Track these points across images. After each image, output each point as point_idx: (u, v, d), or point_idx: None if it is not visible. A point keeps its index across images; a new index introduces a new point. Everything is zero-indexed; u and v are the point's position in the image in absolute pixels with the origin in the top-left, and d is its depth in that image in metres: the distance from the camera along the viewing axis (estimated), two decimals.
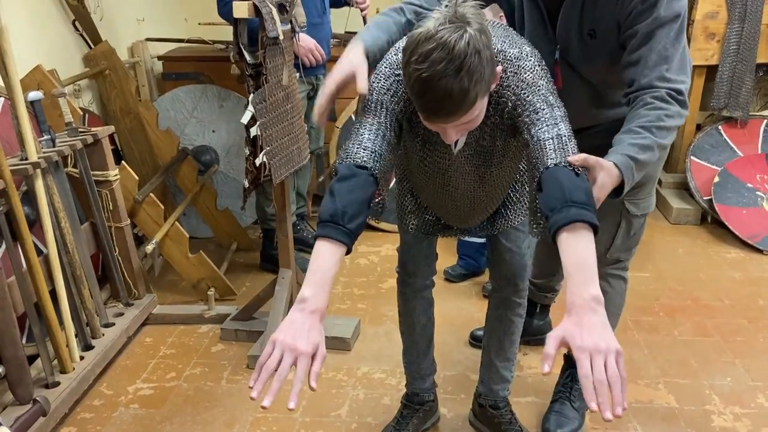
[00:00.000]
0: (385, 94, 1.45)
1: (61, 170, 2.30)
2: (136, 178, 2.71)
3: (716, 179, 3.53)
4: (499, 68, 1.35)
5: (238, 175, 3.55)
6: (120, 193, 2.55)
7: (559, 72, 1.70)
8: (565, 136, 1.37)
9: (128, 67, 3.41)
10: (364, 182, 1.39)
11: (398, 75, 1.45)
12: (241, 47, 2.10)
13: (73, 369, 2.20)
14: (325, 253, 1.33)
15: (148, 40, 3.66)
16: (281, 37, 2.12)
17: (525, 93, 1.41)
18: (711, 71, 3.69)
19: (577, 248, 1.22)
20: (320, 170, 3.69)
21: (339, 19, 3.75)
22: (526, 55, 1.43)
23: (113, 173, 2.50)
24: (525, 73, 1.41)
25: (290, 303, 2.49)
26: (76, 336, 2.26)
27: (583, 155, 1.35)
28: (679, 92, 1.46)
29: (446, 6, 1.26)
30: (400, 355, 2.02)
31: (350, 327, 2.53)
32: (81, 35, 3.06)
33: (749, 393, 2.21)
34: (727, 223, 3.39)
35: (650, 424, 2.06)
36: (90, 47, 3.09)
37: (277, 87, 2.18)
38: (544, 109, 1.39)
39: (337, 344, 2.48)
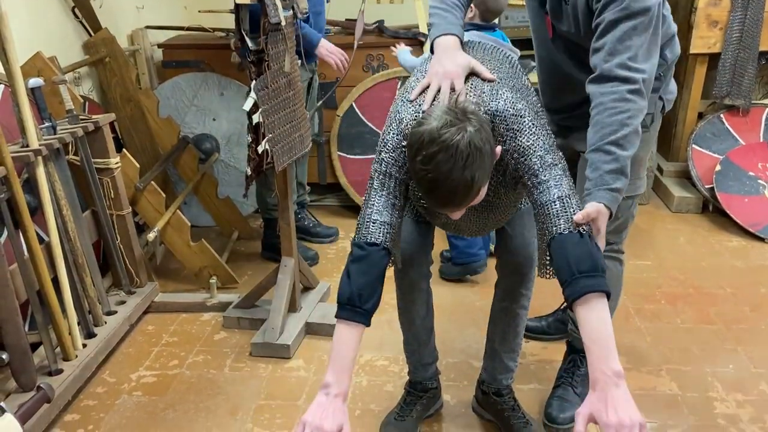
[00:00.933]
0: (393, 165, 1.55)
1: (63, 157, 2.29)
2: (137, 165, 2.70)
3: (718, 168, 3.53)
4: (498, 149, 1.43)
5: (238, 163, 3.54)
6: (121, 181, 2.54)
7: (550, 23, 1.76)
8: (566, 197, 1.45)
9: (128, 55, 3.40)
10: (377, 260, 1.52)
11: (404, 147, 1.52)
12: (243, 33, 2.08)
13: (76, 356, 2.20)
14: (346, 336, 1.48)
15: (147, 27, 3.63)
16: (283, 23, 2.10)
17: (523, 158, 1.48)
18: (713, 59, 3.67)
19: (593, 322, 1.32)
20: (321, 159, 3.68)
21: (337, 8, 3.74)
22: (521, 115, 1.49)
23: (114, 161, 2.49)
24: (521, 137, 1.48)
25: (293, 291, 2.49)
26: (78, 324, 2.25)
27: (584, 212, 1.43)
28: (638, 82, 1.48)
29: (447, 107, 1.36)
30: (402, 342, 2.02)
31: None
32: (81, 22, 3.04)
33: (752, 380, 2.21)
34: (728, 212, 3.38)
35: (653, 411, 2.07)
36: (90, 35, 3.07)
37: (279, 73, 2.16)
38: (542, 172, 1.47)
39: None
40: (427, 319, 1.98)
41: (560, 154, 1.51)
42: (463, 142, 1.31)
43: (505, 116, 1.48)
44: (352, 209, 3.68)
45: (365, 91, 3.47)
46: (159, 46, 3.63)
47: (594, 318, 1.32)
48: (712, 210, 3.59)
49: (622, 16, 1.49)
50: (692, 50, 3.64)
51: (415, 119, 1.52)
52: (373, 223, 1.54)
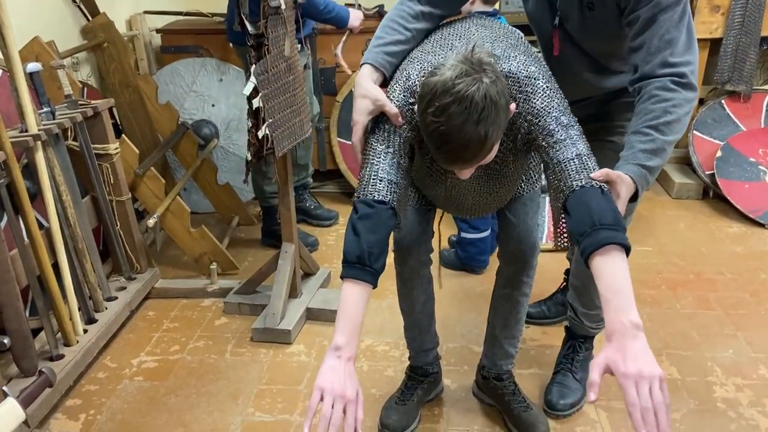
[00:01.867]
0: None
1: (62, 143, 2.28)
2: (137, 151, 2.69)
3: (719, 153, 3.52)
4: (512, 106, 1.37)
5: (238, 149, 3.53)
6: (121, 167, 2.54)
7: (557, 39, 1.72)
8: (584, 155, 1.40)
9: (126, 41, 3.37)
10: (385, 219, 1.45)
11: (411, 104, 1.48)
12: (243, 17, 2.06)
13: (77, 342, 2.20)
14: (354, 296, 1.40)
15: (146, 12, 3.61)
16: (283, 7, 2.09)
17: (537, 119, 1.44)
18: (715, 44, 3.65)
19: (612, 272, 1.25)
20: (321, 145, 3.67)
21: None
22: (535, 77, 1.44)
23: (114, 147, 2.48)
24: (535, 99, 1.44)
25: (293, 277, 2.49)
26: (79, 309, 2.25)
27: (605, 171, 1.38)
28: (683, 75, 1.45)
29: (461, 54, 1.29)
30: (402, 327, 2.02)
31: None
32: (79, 7, 3.02)
33: (751, 364, 2.22)
34: (729, 198, 3.38)
35: None
36: (88, 19, 3.05)
37: (279, 58, 2.15)
38: (559, 131, 1.42)
39: None
40: (428, 305, 1.97)
41: (575, 117, 1.47)
42: (478, 94, 1.24)
43: (518, 77, 1.44)
44: (351, 195, 3.66)
45: None
46: (158, 31, 3.61)
47: (615, 268, 1.25)
48: (713, 196, 3.59)
49: (657, 11, 1.45)
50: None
51: (422, 75, 1.46)
52: (380, 180, 1.46)
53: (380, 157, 1.49)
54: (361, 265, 1.41)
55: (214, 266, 2.69)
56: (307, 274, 2.70)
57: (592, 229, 1.28)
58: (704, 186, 3.62)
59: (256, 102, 2.09)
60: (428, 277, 1.94)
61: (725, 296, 2.65)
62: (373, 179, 1.48)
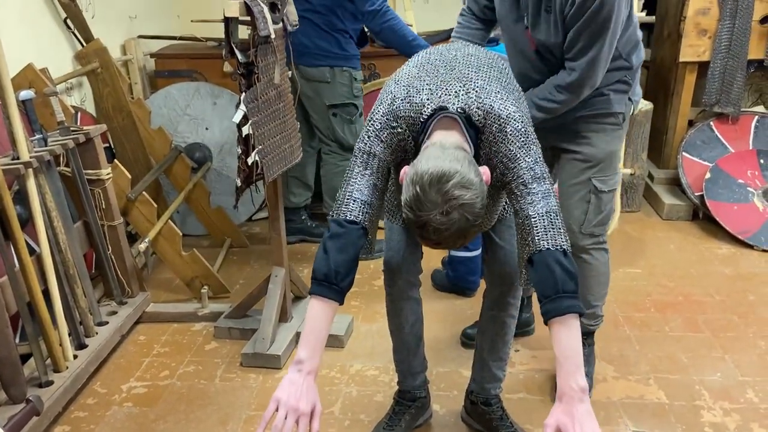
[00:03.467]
0: (378, 145, 1.55)
1: (53, 169, 2.30)
2: (129, 176, 2.71)
3: (708, 175, 3.55)
4: (485, 171, 1.44)
5: (231, 172, 3.55)
6: (113, 192, 2.56)
7: (530, 36, 1.91)
8: (553, 212, 1.48)
9: (120, 65, 3.41)
10: (355, 239, 1.52)
11: (393, 127, 1.53)
12: (233, 46, 2.10)
13: (67, 368, 2.20)
14: (320, 313, 1.50)
15: (140, 37, 3.65)
16: (273, 36, 2.12)
17: (513, 164, 1.50)
18: (702, 67, 3.70)
19: (569, 340, 1.41)
20: (318, 167, 3.69)
21: None
22: (514, 119, 1.50)
23: (106, 172, 2.50)
24: (513, 142, 1.50)
25: (284, 301, 2.50)
26: (69, 335, 2.26)
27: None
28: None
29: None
30: (392, 352, 2.03)
31: (343, 324, 2.54)
32: (73, 33, 3.05)
33: (738, 388, 2.23)
34: (718, 219, 3.41)
35: (640, 420, 2.08)
36: (82, 45, 3.08)
37: (269, 85, 2.18)
38: (532, 183, 1.49)
39: (330, 341, 2.48)
40: (416, 326, 1.99)
41: (547, 168, 1.53)
42: (458, 231, 1.36)
43: (499, 115, 1.49)
44: None
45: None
46: (152, 55, 3.65)
47: (571, 336, 1.42)
48: (702, 217, 3.62)
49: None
50: (682, 58, 3.68)
51: (408, 100, 1.52)
52: (354, 200, 1.53)
53: (356, 178, 1.55)
54: (328, 283, 1.49)
55: (205, 290, 2.70)
56: (298, 297, 2.71)
57: (555, 294, 1.42)
58: (694, 207, 3.64)
59: (246, 129, 2.11)
60: (417, 299, 1.96)
61: (714, 318, 2.66)
62: (347, 199, 1.55)
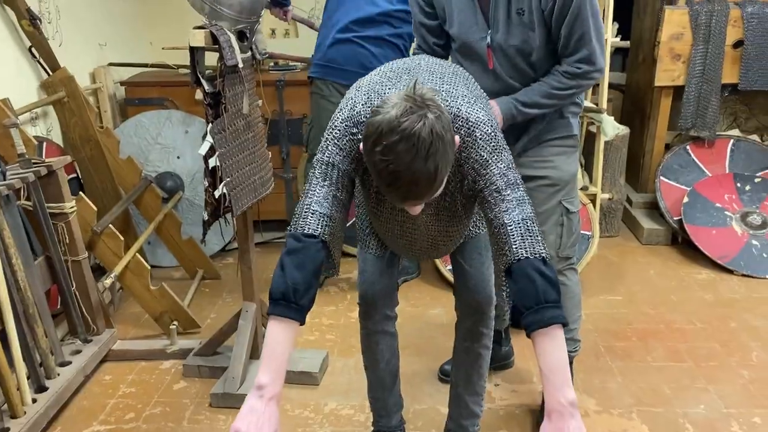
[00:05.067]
0: (338, 154, 1.46)
1: (13, 204, 2.20)
2: (95, 209, 2.62)
3: (686, 199, 3.54)
4: (457, 138, 1.36)
5: (203, 201, 3.45)
6: (77, 225, 2.46)
7: (491, 55, 1.90)
8: (529, 219, 1.41)
9: (89, 93, 3.34)
10: (313, 253, 1.42)
11: (353, 134, 1.45)
12: (198, 75, 2.03)
13: (25, 413, 2.09)
14: (279, 334, 1.38)
15: (110, 65, 3.58)
16: (240, 65, 2.06)
17: (485, 170, 1.43)
18: (677, 92, 3.71)
19: (554, 352, 1.33)
20: (288, 196, 3.63)
21: (306, 44, 3.72)
22: (483, 122, 1.44)
23: (69, 205, 2.41)
24: (483, 147, 1.43)
25: (255, 337, 2.41)
26: (28, 377, 2.15)
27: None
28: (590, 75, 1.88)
29: (404, 91, 1.29)
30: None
31: (317, 360, 2.45)
32: (38, 62, 2.97)
33: (723, 421, 2.17)
34: (697, 244, 3.38)
35: None
36: (48, 74, 3.00)
37: (238, 116, 2.11)
38: (506, 189, 1.42)
39: (303, 379, 2.40)
40: (392, 362, 1.92)
41: (519, 174, 1.47)
42: (425, 130, 1.23)
43: (467, 119, 1.42)
44: None
45: None
46: (122, 83, 3.57)
47: (556, 347, 1.33)
48: (681, 241, 3.59)
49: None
50: (657, 83, 3.68)
51: (368, 106, 1.44)
52: (312, 213, 1.43)
53: (315, 190, 1.46)
54: (285, 302, 1.39)
55: (174, 326, 2.61)
56: None
57: (537, 305, 1.33)
58: (673, 231, 3.62)
59: (213, 161, 2.04)
60: (393, 333, 1.90)
61: (696, 347, 2.62)
62: (305, 212, 1.45)
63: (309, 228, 1.42)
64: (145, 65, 3.68)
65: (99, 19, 3.55)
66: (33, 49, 2.94)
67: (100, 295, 2.62)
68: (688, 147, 3.76)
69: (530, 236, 1.39)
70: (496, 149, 1.43)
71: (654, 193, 3.78)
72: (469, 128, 1.42)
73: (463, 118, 1.42)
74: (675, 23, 3.57)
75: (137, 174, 3.15)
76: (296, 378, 2.40)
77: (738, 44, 3.59)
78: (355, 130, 1.45)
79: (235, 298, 3.12)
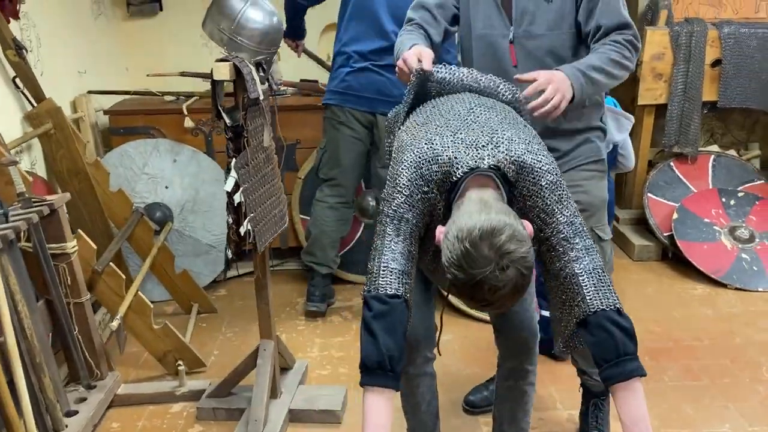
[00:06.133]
0: (408, 211, 1.43)
1: (16, 247, 2.07)
2: (94, 247, 2.49)
3: (675, 215, 3.60)
4: (528, 228, 1.33)
5: (194, 232, 3.37)
6: (78, 266, 2.34)
7: (514, 52, 1.84)
8: (599, 269, 1.41)
9: (73, 125, 3.19)
10: (400, 314, 1.40)
11: (425, 193, 1.43)
12: (220, 109, 1.96)
13: None
14: (380, 406, 1.37)
15: (90, 92, 3.44)
16: (261, 97, 2.00)
17: (551, 218, 1.42)
18: (660, 110, 3.80)
19: (635, 405, 1.36)
20: None
21: (292, 69, 3.67)
22: (547, 170, 1.43)
23: (71, 245, 2.29)
24: (548, 195, 1.42)
25: (274, 377, 2.32)
26: (36, 430, 2.01)
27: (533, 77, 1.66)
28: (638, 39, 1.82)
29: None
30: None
31: (338, 397, 2.38)
32: (22, 93, 2.83)
33: None
34: (691, 260, 3.44)
35: None
36: (32, 105, 2.86)
37: (259, 149, 2.05)
38: (575, 239, 1.41)
39: (325, 417, 2.33)
40: (433, 404, 1.87)
41: (584, 223, 1.46)
42: (518, 289, 1.26)
43: (532, 168, 1.41)
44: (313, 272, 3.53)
45: None
46: (105, 112, 3.44)
47: (637, 400, 1.37)
48: (672, 257, 3.66)
49: None
50: (640, 101, 3.76)
51: (434, 163, 1.42)
52: (391, 272, 1.40)
53: (390, 246, 1.42)
54: (382, 371, 1.36)
55: (182, 367, 2.49)
56: (284, 369, 2.54)
57: (617, 358, 1.36)
58: (663, 246, 3.68)
59: (238, 197, 1.97)
60: (433, 373, 1.86)
61: (708, 364, 2.65)
62: (383, 270, 1.41)
63: (391, 288, 1.39)
64: (128, 92, 3.55)
65: (79, 46, 3.41)
66: (17, 80, 2.80)
67: (102, 338, 2.49)
68: (672, 163, 3.85)
69: (603, 286, 1.39)
70: (561, 197, 1.42)
71: (640, 209, 3.85)
72: (534, 178, 1.41)
73: (528, 167, 1.41)
74: (656, 43, 3.66)
75: (128, 207, 3.03)
76: (317, 417, 2.33)
77: (716, 63, 3.71)
78: (426, 189, 1.43)
79: (236, 333, 3.02)
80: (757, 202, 3.63)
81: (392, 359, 1.37)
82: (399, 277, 1.40)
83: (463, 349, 2.79)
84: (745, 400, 2.41)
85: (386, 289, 1.40)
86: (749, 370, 2.61)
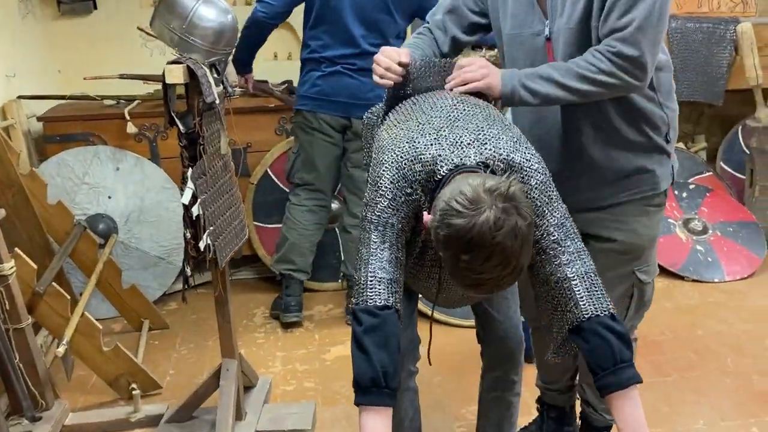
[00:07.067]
0: (393, 215, 1.35)
1: None
2: (34, 266, 2.30)
3: None
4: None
5: (140, 243, 3.19)
6: (17, 289, 2.14)
7: (551, 49, 1.60)
8: (591, 272, 1.35)
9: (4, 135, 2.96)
10: (392, 327, 1.33)
11: (408, 194, 1.35)
12: (173, 115, 1.82)
13: None
14: (378, 427, 1.28)
15: (21, 98, 3.20)
16: (217, 101, 1.86)
17: (540, 220, 1.34)
18: None
19: (633, 412, 1.34)
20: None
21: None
22: (535, 169, 1.35)
23: (9, 266, 2.10)
24: (536, 197, 1.34)
25: (238, 396, 2.19)
26: None
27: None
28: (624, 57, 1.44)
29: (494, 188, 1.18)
30: None
31: (307, 415, 2.27)
32: None
33: None
34: None
35: None
36: None
37: (216, 156, 1.91)
38: (565, 241, 1.34)
39: None
40: (415, 420, 1.79)
41: (574, 223, 1.39)
42: (517, 243, 1.16)
43: (521, 168, 1.34)
44: (269, 281, 3.40)
45: (280, 156, 3.25)
46: (38, 119, 3.21)
47: (635, 408, 1.35)
48: None
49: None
50: None
51: (417, 162, 1.33)
52: (379, 282, 1.33)
53: (377, 254, 1.34)
54: (377, 389, 1.29)
55: (137, 392, 2.32)
56: (247, 388, 2.40)
57: (614, 366, 1.31)
58: None
59: (196, 209, 1.83)
60: (415, 389, 1.77)
61: (675, 358, 2.66)
62: (371, 281, 1.33)
63: (380, 299, 1.31)
64: (63, 97, 3.32)
65: (5, 48, 3.16)
66: None
67: (45, 363, 2.29)
68: None
69: (596, 290, 1.34)
70: (552, 198, 1.36)
71: None
72: (523, 177, 1.34)
73: (517, 165, 1.34)
74: None
75: (69, 220, 2.83)
76: None
77: None
78: (409, 191, 1.35)
79: (191, 349, 2.86)
80: (707, 194, 3.69)
81: (387, 375, 1.29)
82: (388, 287, 1.33)
83: (435, 357, 2.69)
84: (714, 393, 2.42)
85: (376, 301, 1.32)
86: (715, 362, 2.63)
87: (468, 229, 1.15)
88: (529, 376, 2.38)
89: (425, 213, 1.31)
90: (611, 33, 1.46)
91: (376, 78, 1.57)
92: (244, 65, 3.02)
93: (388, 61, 1.54)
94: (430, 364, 1.68)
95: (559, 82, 1.48)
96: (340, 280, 3.28)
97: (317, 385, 2.54)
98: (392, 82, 1.55)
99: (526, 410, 2.32)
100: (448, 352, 2.64)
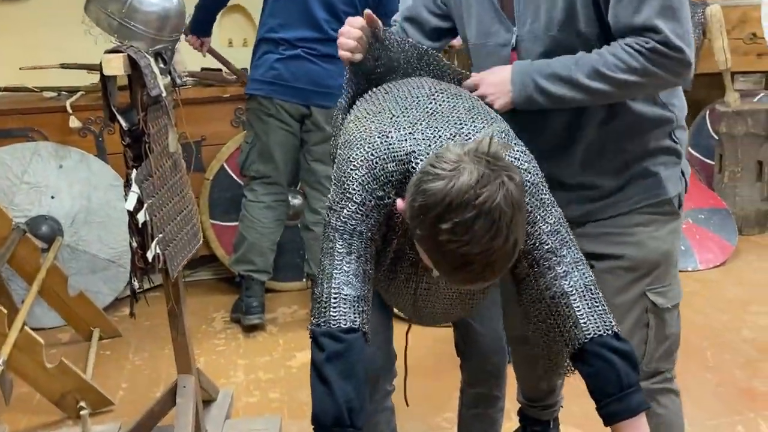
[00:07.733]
0: (361, 222, 1.17)
1: None
2: None
3: None
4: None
5: (88, 246, 2.99)
6: None
7: (516, 59, 1.40)
8: (591, 285, 1.20)
9: None
10: (359, 352, 1.15)
11: (380, 198, 1.17)
12: (113, 110, 1.62)
13: None
14: None
15: None
16: (164, 94, 1.68)
17: (532, 228, 1.18)
18: None
19: None
20: None
21: (191, 57, 3.29)
22: (526, 170, 1.19)
23: None
24: (528, 202, 1.16)
25: (197, 413, 2.02)
26: None
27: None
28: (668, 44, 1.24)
29: (472, 149, 1.04)
30: None
31: (272, 431, 2.11)
32: None
33: None
34: None
35: None
36: None
37: (164, 155, 1.73)
38: (561, 250, 1.19)
39: None
40: None
41: (571, 230, 1.24)
42: (505, 201, 1.00)
43: (508, 167, 1.17)
44: (228, 282, 3.23)
45: (237, 149, 3.05)
46: None
47: None
48: None
49: None
50: None
51: (394, 161, 1.17)
52: (344, 300, 1.15)
53: (340, 267, 1.17)
54: (340, 428, 1.11)
55: (85, 412, 2.13)
56: (206, 402, 2.23)
57: (620, 392, 1.18)
58: None
59: (142, 216, 1.64)
60: (392, 408, 1.64)
61: None
62: (335, 299, 1.15)
63: (345, 320, 1.14)
64: None
65: None
66: None
67: None
68: None
69: (597, 305, 1.19)
70: (544, 202, 1.20)
71: None
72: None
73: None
74: None
75: (7, 223, 2.59)
76: None
77: None
78: (381, 194, 1.17)
79: (146, 360, 2.68)
80: None
81: (352, 411, 1.12)
82: (354, 305, 1.16)
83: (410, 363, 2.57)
84: (697, 390, 2.34)
85: (339, 323, 1.15)
86: (695, 356, 2.55)
87: (447, 190, 0.99)
88: (508, 384, 2.28)
89: (399, 200, 1.14)
90: (633, 32, 1.25)
91: (343, 53, 1.37)
92: (201, 26, 2.82)
93: (357, 30, 1.34)
94: (406, 372, 1.54)
95: (578, 83, 1.28)
96: (304, 280, 3.12)
97: (282, 395, 2.39)
98: (362, 54, 1.36)
99: (506, 414, 2.22)
100: (421, 355, 2.50)
